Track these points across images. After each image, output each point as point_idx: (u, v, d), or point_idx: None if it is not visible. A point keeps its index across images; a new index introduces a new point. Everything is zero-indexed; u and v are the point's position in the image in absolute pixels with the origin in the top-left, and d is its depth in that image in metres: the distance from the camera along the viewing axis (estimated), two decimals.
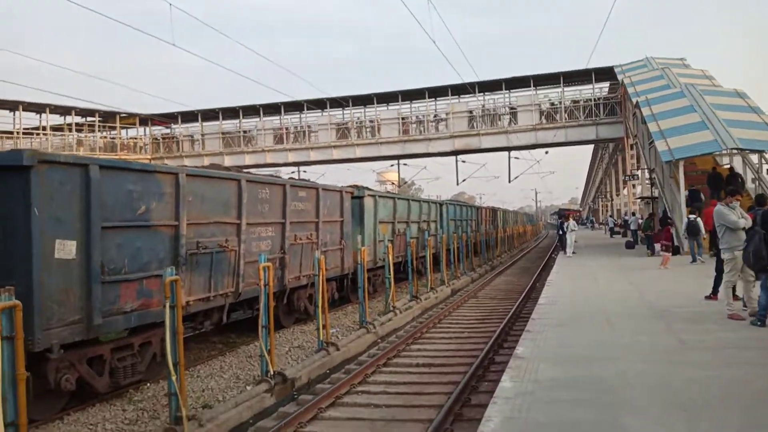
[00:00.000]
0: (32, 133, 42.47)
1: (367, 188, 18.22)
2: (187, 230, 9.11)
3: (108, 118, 45.43)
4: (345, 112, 44.06)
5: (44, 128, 42.74)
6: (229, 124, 46.59)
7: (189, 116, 46.16)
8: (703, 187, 21.03)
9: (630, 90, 29.80)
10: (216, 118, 45.89)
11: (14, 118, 40.99)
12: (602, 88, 42.15)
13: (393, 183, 57.10)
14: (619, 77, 34.63)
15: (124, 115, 45.59)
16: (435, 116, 42.25)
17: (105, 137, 46.96)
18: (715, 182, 20.27)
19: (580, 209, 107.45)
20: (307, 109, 44.46)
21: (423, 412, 7.65)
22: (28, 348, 6.63)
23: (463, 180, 45.75)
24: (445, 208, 26.66)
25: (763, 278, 8.39)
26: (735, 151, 21.87)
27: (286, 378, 9.24)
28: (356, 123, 43.47)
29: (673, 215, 21.75)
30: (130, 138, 48.30)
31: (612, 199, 59.26)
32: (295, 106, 43.93)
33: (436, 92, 41.76)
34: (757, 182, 21.83)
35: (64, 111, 43.05)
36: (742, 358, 6.87)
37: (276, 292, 12.22)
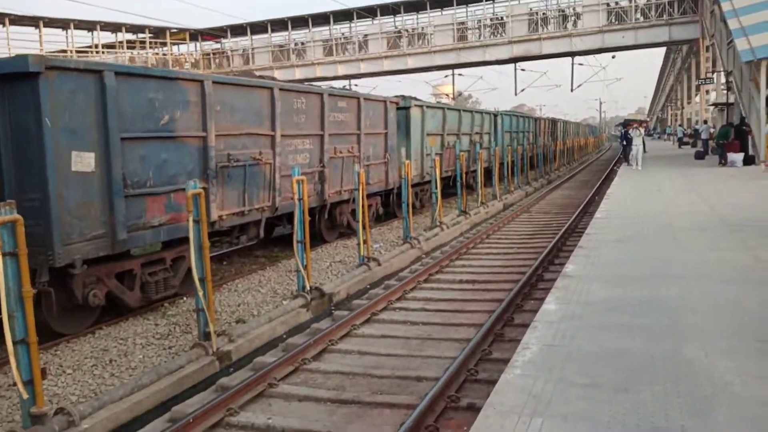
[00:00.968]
0: (85, 52, 42.71)
1: (415, 98, 17.22)
2: (217, 142, 8.64)
3: (158, 34, 45.09)
4: (396, 19, 42.05)
5: (96, 46, 42.86)
6: (278, 37, 45.46)
7: (238, 30, 45.22)
8: None
9: None
10: (265, 31, 44.80)
11: (66, 37, 41.20)
12: None
13: (447, 95, 55.13)
14: None
15: (174, 30, 45.10)
16: (492, 20, 39.75)
17: (156, 54, 46.82)
18: None
19: (647, 119, 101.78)
20: (358, 18, 42.65)
21: (461, 331, 7.19)
22: (49, 263, 6.47)
23: (522, 90, 43.49)
24: (500, 119, 25.36)
25: None
26: None
27: (323, 293, 8.95)
28: (408, 31, 41.49)
29: (749, 122, 19.89)
30: (181, 54, 48.02)
31: (682, 108, 55.47)
32: (345, 15, 42.20)
33: None
34: None
35: (114, 28, 42.92)
36: None
37: (316, 206, 11.84)
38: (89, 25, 41.54)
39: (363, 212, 10.20)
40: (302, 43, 44.16)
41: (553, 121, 42.20)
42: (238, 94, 9.31)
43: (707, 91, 38.80)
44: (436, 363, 6.19)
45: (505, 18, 38.94)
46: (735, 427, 3.10)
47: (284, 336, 7.80)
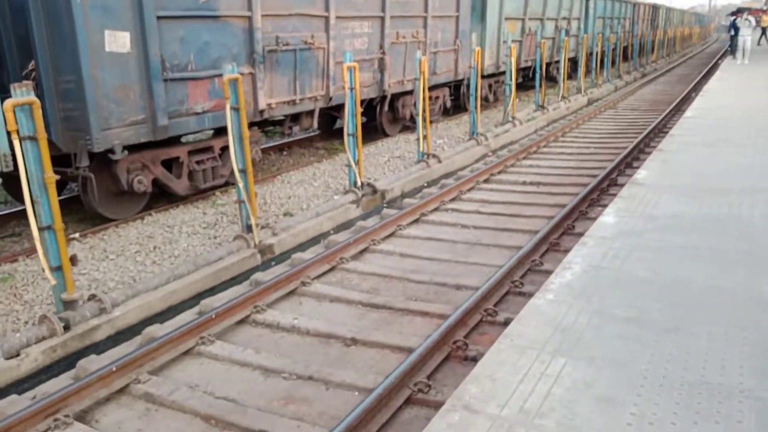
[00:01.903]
0: None
1: None
2: (263, 23, 8.04)
3: None
4: None
5: None
6: None
7: None
8: None
9: None
10: None
11: None
12: None
13: None
14: None
15: None
16: None
17: None
18: None
19: (765, 8, 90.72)
20: None
21: (515, 237, 6.66)
22: (88, 148, 6.35)
23: None
24: (591, 3, 22.98)
25: None
26: None
27: (375, 189, 8.57)
28: None
29: None
30: None
31: None
32: None
33: None
34: None
35: None
36: None
37: (376, 97, 11.20)
38: None
39: (424, 104, 9.50)
40: None
41: (654, 7, 38.15)
42: None
43: None
44: (479, 271, 5.75)
45: None
46: None
47: (331, 232, 7.56)
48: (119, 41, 6.41)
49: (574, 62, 20.88)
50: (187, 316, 5.12)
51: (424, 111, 9.53)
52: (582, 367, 2.64)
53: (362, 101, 10.97)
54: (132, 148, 6.87)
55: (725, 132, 8.28)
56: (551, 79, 19.91)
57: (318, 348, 4.49)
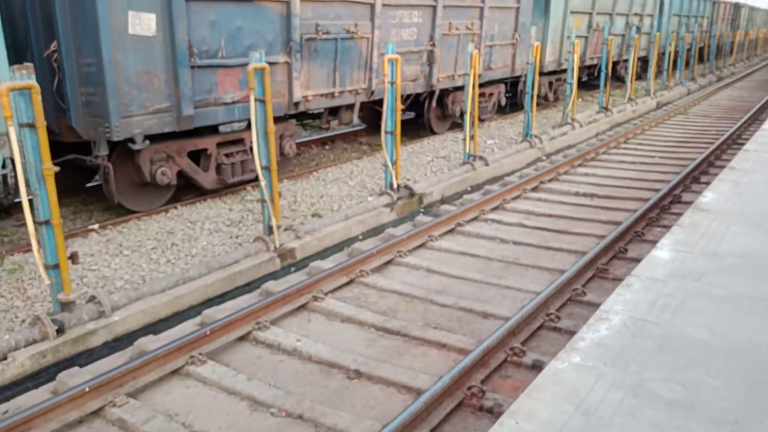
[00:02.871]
0: None
1: None
2: (303, 8, 7.57)
3: None
4: None
5: None
6: None
7: None
8: None
9: None
10: None
11: None
12: None
13: None
14: None
15: None
16: None
17: None
18: None
19: None
20: None
21: (557, 258, 6.00)
22: (106, 136, 6.05)
23: None
24: (667, 0, 21.56)
25: None
26: None
27: (413, 192, 8.04)
28: None
29: None
30: None
31: None
32: None
33: None
34: None
35: None
36: None
37: (423, 92, 10.60)
38: None
39: (473, 101, 8.85)
40: None
41: (737, 6, 35.78)
42: None
43: None
44: (512, 297, 5.15)
45: None
46: None
47: (360, 237, 7.08)
48: (144, 23, 6.06)
49: (644, 62, 19.62)
50: (186, 327, 4.73)
51: (473, 109, 8.89)
52: None
53: (408, 96, 10.41)
54: (156, 138, 6.56)
55: None
56: (618, 79, 18.77)
57: (317, 378, 4.02)
